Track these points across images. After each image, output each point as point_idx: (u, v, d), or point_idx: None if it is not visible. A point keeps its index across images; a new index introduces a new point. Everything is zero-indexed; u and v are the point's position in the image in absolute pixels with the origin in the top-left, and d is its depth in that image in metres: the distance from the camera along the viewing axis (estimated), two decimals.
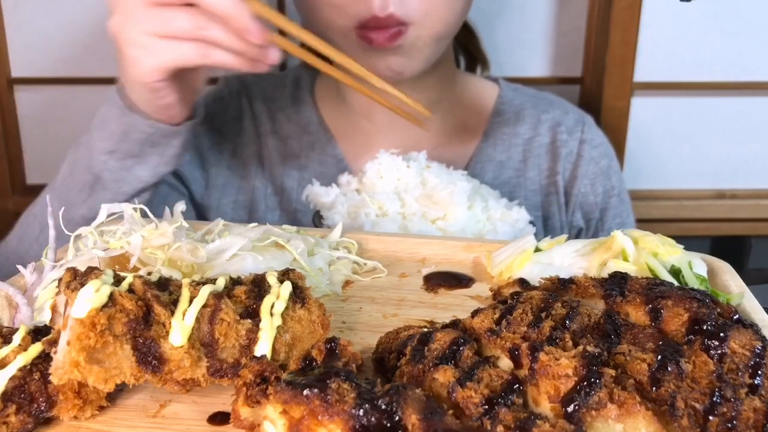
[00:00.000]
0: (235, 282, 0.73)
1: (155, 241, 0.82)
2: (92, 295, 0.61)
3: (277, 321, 0.67)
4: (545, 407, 0.57)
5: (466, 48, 1.63)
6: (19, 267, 0.88)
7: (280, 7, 1.80)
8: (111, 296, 0.62)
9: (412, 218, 1.13)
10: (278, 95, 1.53)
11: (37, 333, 0.68)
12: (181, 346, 0.63)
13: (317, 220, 1.20)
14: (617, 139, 1.81)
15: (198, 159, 1.46)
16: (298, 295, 0.71)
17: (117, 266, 0.82)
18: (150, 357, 0.62)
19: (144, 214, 0.88)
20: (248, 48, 0.97)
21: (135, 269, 0.81)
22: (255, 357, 0.64)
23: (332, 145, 1.47)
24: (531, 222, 1.22)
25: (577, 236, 1.47)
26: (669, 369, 0.58)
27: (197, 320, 0.65)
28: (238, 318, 0.67)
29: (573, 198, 1.46)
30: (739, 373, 0.60)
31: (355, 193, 1.21)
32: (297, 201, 1.43)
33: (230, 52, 0.98)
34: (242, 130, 1.51)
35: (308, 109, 1.51)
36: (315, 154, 1.47)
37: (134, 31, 0.98)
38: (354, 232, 1.05)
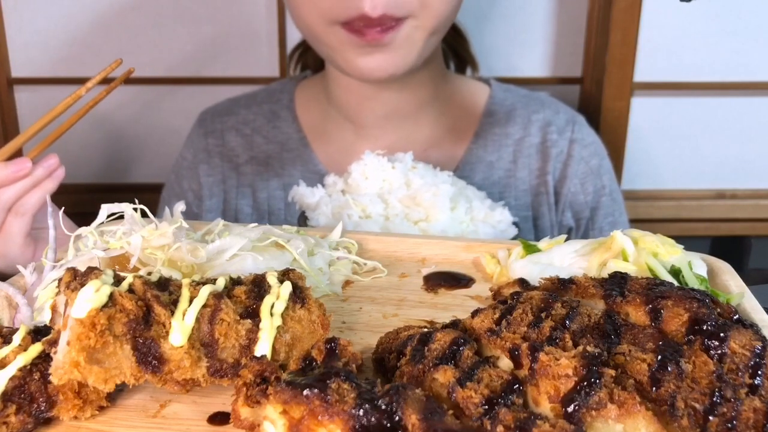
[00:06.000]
0: (235, 282, 0.73)
1: (155, 242, 0.82)
2: (92, 295, 0.61)
3: (277, 321, 0.67)
4: (545, 407, 0.57)
5: (454, 50, 1.62)
6: (19, 267, 0.88)
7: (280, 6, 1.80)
8: (111, 296, 0.62)
9: (394, 219, 1.13)
10: (252, 117, 1.52)
11: (37, 333, 0.68)
12: (181, 346, 0.63)
13: (302, 221, 1.19)
14: (617, 139, 1.81)
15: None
16: (298, 295, 0.71)
17: (117, 266, 0.82)
18: (150, 357, 0.62)
19: (144, 215, 0.88)
20: (34, 178, 1.08)
21: (135, 269, 0.81)
22: (255, 357, 0.64)
23: (314, 162, 1.46)
24: (515, 223, 1.22)
25: (567, 235, 1.47)
26: (669, 369, 0.58)
27: (197, 320, 0.65)
28: (238, 318, 0.67)
29: (563, 197, 1.45)
30: (739, 373, 0.60)
31: (340, 194, 1.20)
32: (285, 221, 1.42)
33: (33, 192, 1.09)
34: (214, 169, 1.51)
35: (286, 125, 1.49)
36: (297, 171, 1.46)
37: None
38: (354, 232, 1.05)
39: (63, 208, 0.98)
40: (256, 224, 0.95)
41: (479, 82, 1.56)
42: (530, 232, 1.44)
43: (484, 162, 1.45)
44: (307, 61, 1.61)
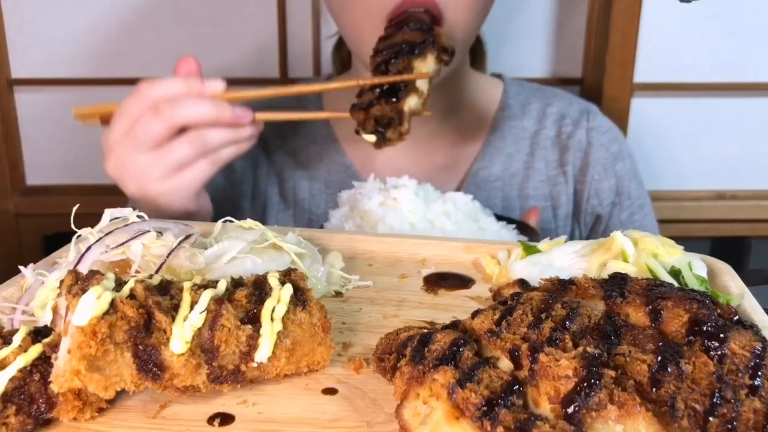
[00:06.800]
0: (236, 284, 0.73)
1: (155, 250, 0.82)
2: (93, 303, 0.61)
3: (278, 326, 0.67)
4: (545, 408, 0.57)
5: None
6: (20, 267, 0.88)
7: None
8: (112, 303, 0.62)
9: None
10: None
11: (37, 334, 0.68)
12: (182, 354, 0.63)
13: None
14: None
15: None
16: (299, 297, 0.71)
17: (116, 269, 0.82)
18: (150, 364, 0.62)
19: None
20: (241, 132, 1.08)
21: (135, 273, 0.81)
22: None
23: (340, 153, 1.49)
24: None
25: (594, 223, 1.50)
26: (669, 370, 0.58)
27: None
28: (239, 324, 0.66)
29: (587, 186, 1.48)
30: (739, 374, 0.60)
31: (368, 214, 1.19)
32: (309, 211, 1.45)
33: (231, 145, 1.09)
34: (249, 154, 1.52)
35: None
36: (323, 163, 1.49)
37: (154, 185, 1.07)
38: (354, 232, 1.05)
39: (78, 205, 0.98)
40: (255, 224, 0.94)
41: (493, 77, 1.60)
42: (550, 222, 1.47)
43: (503, 153, 1.49)
44: (343, 56, 1.63)
